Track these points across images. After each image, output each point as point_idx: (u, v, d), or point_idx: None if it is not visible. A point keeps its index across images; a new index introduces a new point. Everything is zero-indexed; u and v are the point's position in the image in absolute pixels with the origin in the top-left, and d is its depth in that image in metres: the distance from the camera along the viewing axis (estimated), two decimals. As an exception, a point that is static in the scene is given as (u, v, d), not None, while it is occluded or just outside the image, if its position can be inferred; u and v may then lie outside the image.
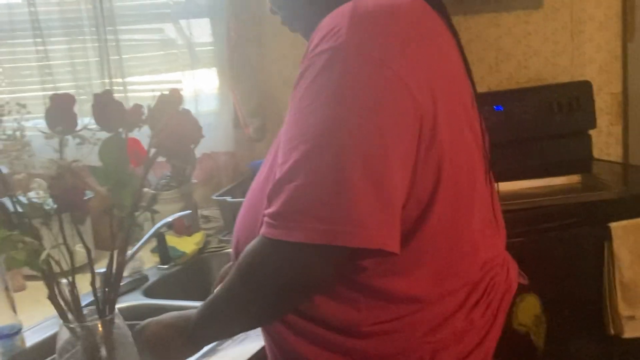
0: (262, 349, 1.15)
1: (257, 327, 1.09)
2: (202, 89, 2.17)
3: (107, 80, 1.96)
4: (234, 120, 2.19)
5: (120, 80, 2.00)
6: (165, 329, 1.02)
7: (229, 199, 1.85)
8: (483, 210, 0.97)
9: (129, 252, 1.48)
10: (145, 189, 0.84)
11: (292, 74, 2.38)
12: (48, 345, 1.32)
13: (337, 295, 0.88)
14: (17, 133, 0.93)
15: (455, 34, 0.97)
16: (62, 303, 0.88)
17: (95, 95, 0.92)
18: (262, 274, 0.86)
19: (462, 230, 0.91)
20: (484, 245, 0.96)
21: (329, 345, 0.90)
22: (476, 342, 0.93)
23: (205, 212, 2.10)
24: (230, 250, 1.82)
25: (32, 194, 1.10)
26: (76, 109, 2.03)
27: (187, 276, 1.73)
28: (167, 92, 0.88)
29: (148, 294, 1.57)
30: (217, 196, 1.90)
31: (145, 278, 1.62)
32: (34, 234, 0.84)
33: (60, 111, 0.93)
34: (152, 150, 0.84)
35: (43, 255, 0.77)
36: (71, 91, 1.96)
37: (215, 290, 1.08)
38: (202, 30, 2.17)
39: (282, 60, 2.37)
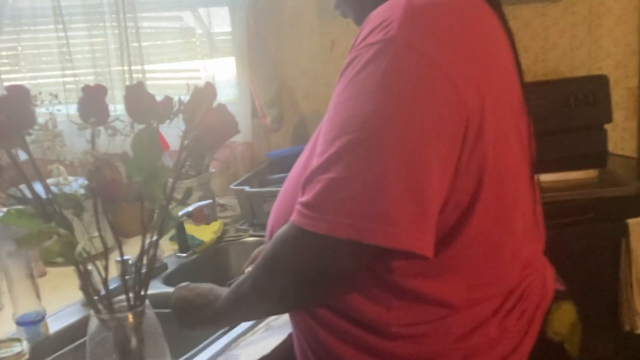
0: (284, 341, 1.16)
1: (281, 313, 1.12)
2: (221, 78, 2.17)
3: (126, 68, 1.96)
4: (251, 110, 2.18)
5: (139, 67, 2.00)
6: (196, 298, 1.04)
7: (246, 188, 1.86)
8: (525, 216, 0.95)
9: (149, 241, 1.49)
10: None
11: (309, 65, 2.39)
12: (71, 331, 1.33)
13: (367, 293, 0.87)
14: (49, 123, 0.94)
15: (509, 33, 0.95)
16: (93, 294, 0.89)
17: (128, 87, 0.92)
18: (288, 261, 0.86)
19: (503, 238, 0.89)
20: (524, 252, 0.94)
21: (359, 343, 0.90)
22: (509, 349, 0.91)
23: (222, 201, 2.11)
24: (246, 239, 1.85)
25: (51, 181, 1.11)
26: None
27: (205, 264, 1.74)
28: (201, 86, 0.88)
29: (167, 281, 1.58)
30: (234, 185, 1.90)
31: (164, 266, 1.63)
32: (67, 225, 0.85)
33: (92, 102, 0.93)
34: (186, 143, 0.84)
35: (79, 248, 0.78)
36: (90, 77, 1.97)
37: (245, 271, 1.09)
38: (221, 19, 2.16)
39: (300, 51, 2.36)
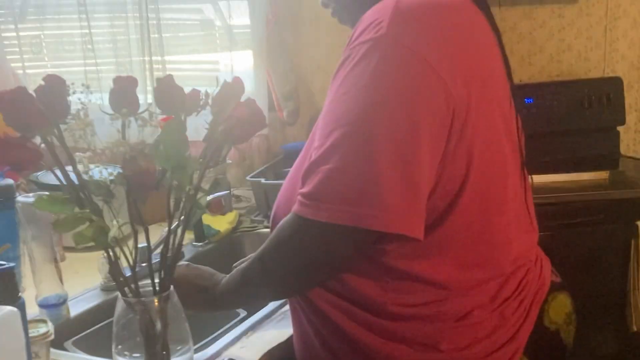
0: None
1: (282, 298, 1.20)
2: (239, 70, 2.19)
3: (147, 58, 1.99)
4: (268, 103, 2.21)
5: (159, 58, 2.03)
6: (196, 279, 1.10)
7: (262, 180, 1.89)
8: (517, 206, 1.00)
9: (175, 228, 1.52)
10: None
11: (326, 60, 2.41)
12: (91, 315, 1.37)
13: (364, 275, 0.92)
14: (81, 112, 0.96)
15: (497, 32, 1.00)
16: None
17: (158, 80, 0.95)
18: (290, 248, 0.91)
19: (492, 223, 0.94)
20: (517, 240, 0.99)
21: (362, 321, 0.94)
22: (508, 337, 0.96)
23: (237, 192, 2.14)
24: (261, 230, 1.88)
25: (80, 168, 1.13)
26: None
27: (220, 254, 1.77)
28: (230, 81, 0.91)
29: (183, 270, 1.61)
30: (251, 177, 1.93)
31: (180, 254, 1.66)
32: (98, 211, 0.88)
33: (123, 93, 0.95)
34: (216, 135, 0.87)
35: (112, 233, 0.81)
36: (111, 67, 2.00)
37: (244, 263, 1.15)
38: (240, 12, 2.19)
39: (316, 46, 2.38)
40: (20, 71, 1.92)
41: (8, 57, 1.90)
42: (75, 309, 1.36)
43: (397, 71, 0.83)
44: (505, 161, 0.96)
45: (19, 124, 0.81)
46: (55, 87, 0.86)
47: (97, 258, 1.48)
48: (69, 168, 0.90)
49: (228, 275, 1.07)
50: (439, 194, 0.88)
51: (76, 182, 0.89)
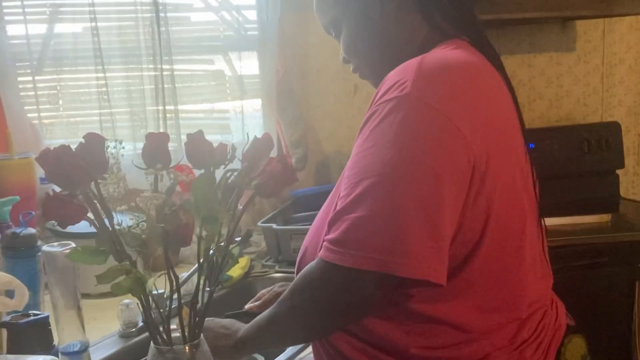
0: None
1: (303, 342, 1.22)
2: (249, 118, 2.26)
3: (160, 108, 2.05)
4: (277, 150, 2.26)
5: (172, 107, 2.09)
6: (219, 329, 1.13)
7: (274, 225, 1.93)
8: (533, 252, 1.04)
9: (185, 275, 1.56)
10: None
11: (332, 107, 2.48)
12: (111, 362, 1.39)
13: (387, 318, 0.95)
14: (114, 167, 1.01)
15: (512, 91, 1.06)
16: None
17: (189, 135, 0.99)
18: (317, 292, 0.94)
19: (510, 269, 0.97)
20: (533, 285, 1.02)
21: None
22: None
23: (246, 237, 2.17)
24: (273, 274, 1.91)
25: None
26: (130, 134, 2.10)
27: (233, 299, 1.79)
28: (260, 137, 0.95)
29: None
30: (262, 223, 1.97)
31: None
32: (133, 262, 0.92)
33: (156, 149, 1.00)
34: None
35: (150, 284, 0.85)
36: (126, 117, 2.06)
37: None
38: (250, 63, 2.26)
39: (324, 94, 2.46)
40: (36, 121, 1.98)
41: (25, 107, 1.96)
42: (95, 355, 1.38)
43: (420, 127, 0.88)
44: (522, 210, 1.00)
45: (64, 181, 0.85)
46: (95, 144, 0.91)
47: (112, 305, 1.50)
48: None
49: (249, 325, 1.10)
50: (460, 242, 0.92)
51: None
